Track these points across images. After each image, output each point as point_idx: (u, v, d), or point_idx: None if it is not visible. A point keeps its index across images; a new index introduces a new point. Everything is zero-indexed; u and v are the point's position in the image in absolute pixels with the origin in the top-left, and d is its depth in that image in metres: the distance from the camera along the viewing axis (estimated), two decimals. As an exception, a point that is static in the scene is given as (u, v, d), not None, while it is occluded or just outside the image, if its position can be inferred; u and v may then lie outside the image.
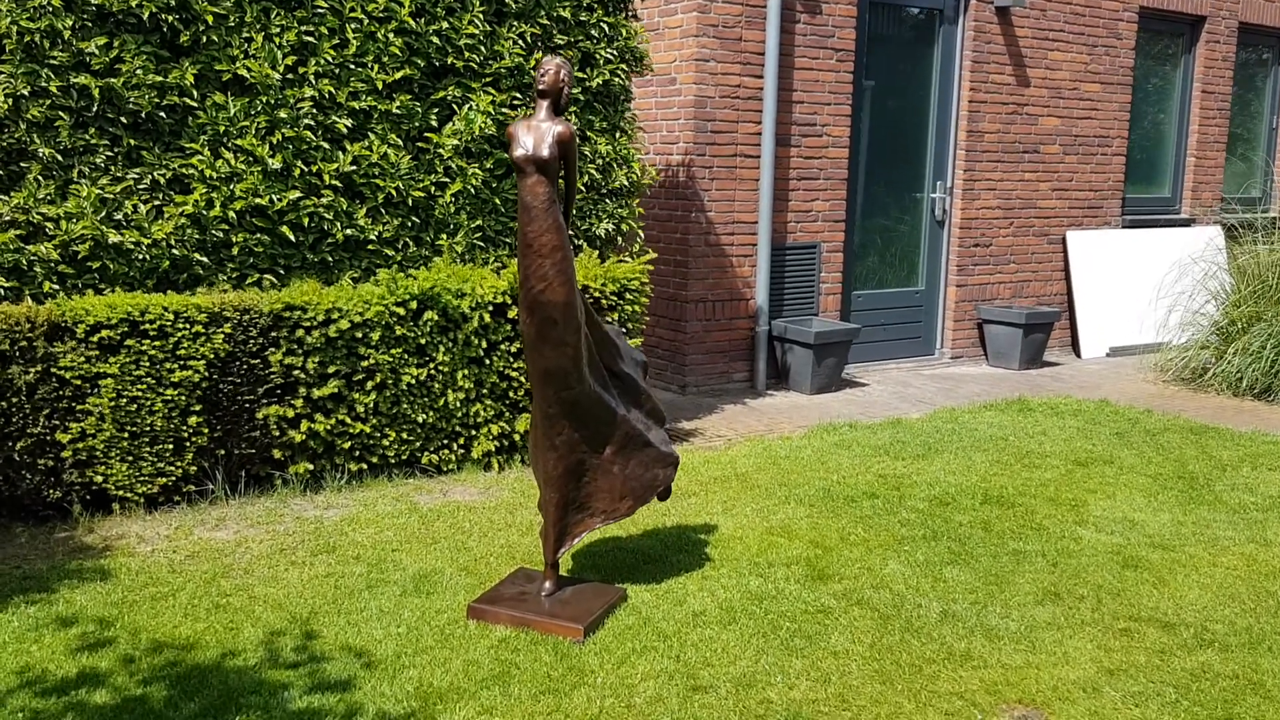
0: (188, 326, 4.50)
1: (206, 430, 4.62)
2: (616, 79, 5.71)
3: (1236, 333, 8.09)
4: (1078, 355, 9.31)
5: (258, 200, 4.85)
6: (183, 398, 4.53)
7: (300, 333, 4.74)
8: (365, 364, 4.90)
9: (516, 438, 5.36)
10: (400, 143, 5.17)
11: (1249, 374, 7.74)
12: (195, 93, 4.73)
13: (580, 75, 5.61)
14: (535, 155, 3.33)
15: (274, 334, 4.71)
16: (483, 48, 5.33)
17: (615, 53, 5.71)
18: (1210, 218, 10.50)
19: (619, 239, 5.89)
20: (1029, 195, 9.03)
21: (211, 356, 4.55)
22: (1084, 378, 8.39)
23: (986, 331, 8.78)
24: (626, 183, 5.81)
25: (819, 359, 7.43)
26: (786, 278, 7.74)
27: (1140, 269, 9.65)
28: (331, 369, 4.83)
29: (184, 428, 4.56)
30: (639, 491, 3.75)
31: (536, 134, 3.36)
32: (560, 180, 3.53)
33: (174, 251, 4.72)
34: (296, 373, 4.77)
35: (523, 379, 5.33)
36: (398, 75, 5.10)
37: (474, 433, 5.28)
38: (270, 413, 4.74)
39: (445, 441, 5.23)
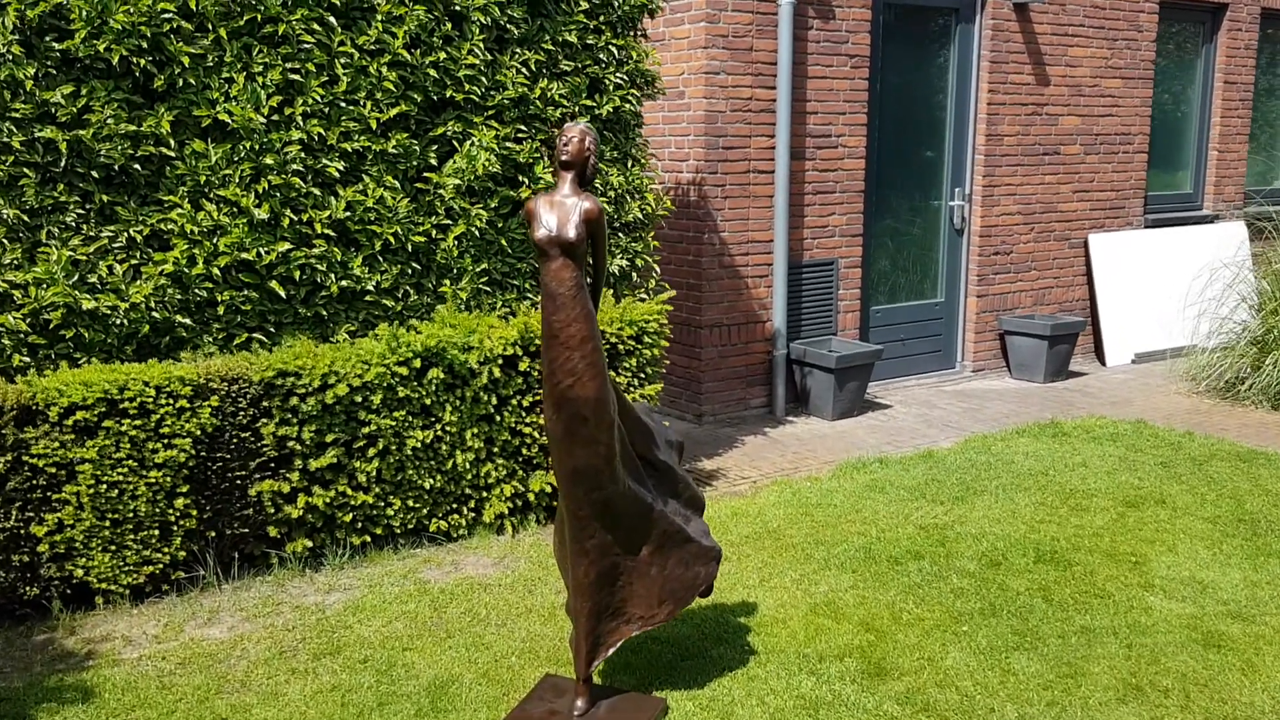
0: (171, 402, 4.10)
1: (195, 512, 4.23)
2: (628, 105, 5.30)
3: (1273, 341, 7.73)
4: (1102, 363, 8.96)
5: (244, 254, 4.45)
6: (168, 479, 4.14)
7: (294, 401, 4.34)
8: (366, 430, 4.51)
9: (531, 497, 4.98)
10: (397, 184, 4.76)
11: (1289, 386, 7.38)
12: (172, 141, 4.32)
13: (588, 103, 5.20)
14: (560, 237, 2.93)
15: (266, 404, 4.32)
16: (484, 78, 4.92)
17: (625, 77, 5.30)
18: (1233, 214, 10.14)
19: (634, 275, 5.49)
20: (1050, 198, 8.65)
21: (198, 433, 4.16)
22: (1113, 390, 8.04)
23: (1009, 343, 8.42)
24: (640, 215, 5.41)
25: (840, 383, 7.06)
26: (803, 297, 7.35)
27: (1164, 271, 9.28)
28: (329, 437, 4.44)
29: (170, 511, 4.17)
30: (679, 594, 3.38)
31: (560, 211, 2.96)
32: (588, 259, 3.14)
33: (154, 314, 4.32)
34: (291, 444, 4.38)
35: (536, 433, 4.94)
36: (393, 112, 4.69)
37: (485, 495, 4.90)
38: (264, 488, 4.35)
39: (454, 506, 4.84)
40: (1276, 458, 6.24)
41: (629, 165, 5.41)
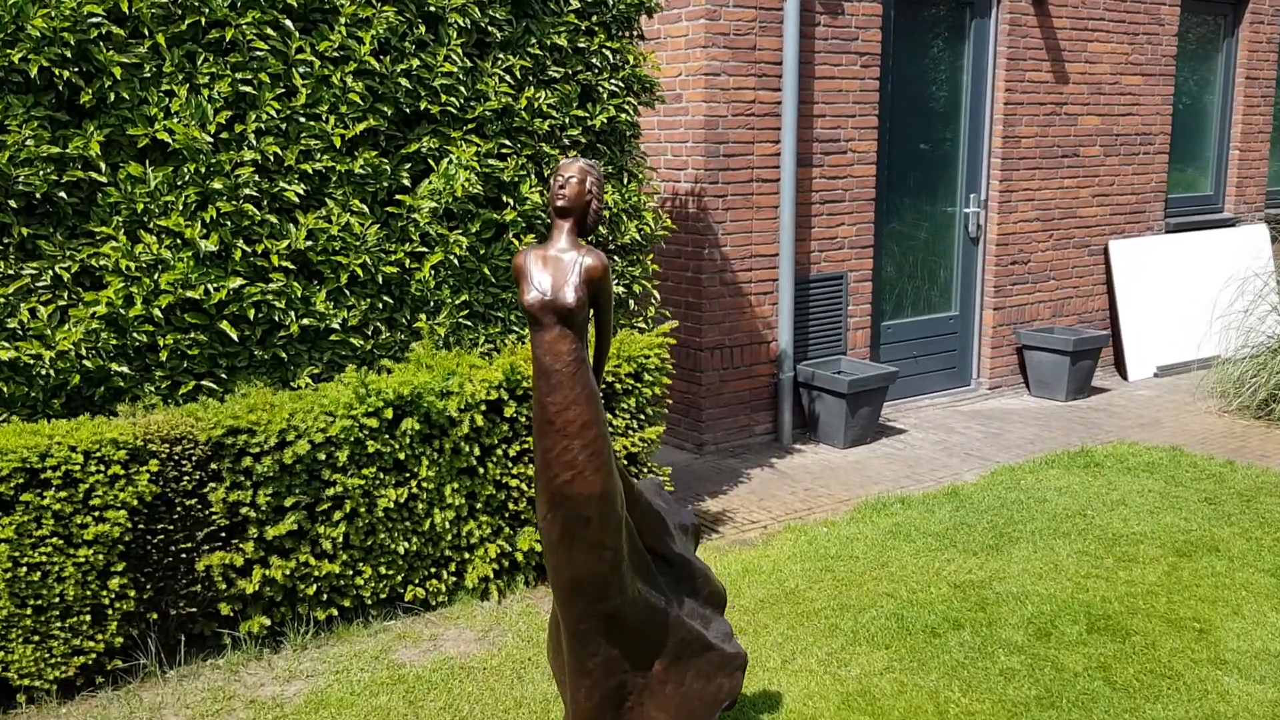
0: (103, 469, 3.54)
1: (134, 592, 3.68)
2: (624, 115, 4.75)
3: (1310, 357, 7.23)
4: (1123, 378, 8.45)
5: (189, 292, 3.88)
6: (100, 556, 3.58)
7: (248, 461, 3.79)
8: (331, 491, 3.96)
9: (519, 556, 4.44)
10: (365, 209, 4.20)
11: (1330, 407, 6.89)
12: (104, 164, 3.75)
13: (580, 113, 4.64)
14: (556, 301, 2.39)
15: (214, 466, 3.76)
16: (462, 88, 4.36)
17: (621, 83, 4.75)
18: (1255, 216, 9.64)
19: (631, 302, 4.94)
20: (1069, 204, 8.13)
21: (135, 503, 3.60)
22: (1139, 409, 7.53)
23: (1028, 359, 7.90)
24: (638, 236, 4.87)
25: (853, 409, 6.53)
26: (810, 314, 6.82)
27: (1186, 278, 8.78)
28: (289, 501, 3.89)
29: (104, 593, 3.62)
30: (699, 713, 2.84)
31: (556, 269, 2.41)
32: (590, 325, 2.60)
33: (86, 363, 3.75)
34: (245, 510, 3.83)
35: (524, 485, 4.40)
36: (360, 127, 4.13)
37: (467, 556, 4.35)
38: (214, 561, 3.79)
39: (433, 570, 4.30)
40: (1329, 491, 5.74)
41: (625, 181, 4.86)
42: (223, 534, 3.84)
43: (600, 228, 4.75)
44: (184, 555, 3.76)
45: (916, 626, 4.20)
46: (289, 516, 3.90)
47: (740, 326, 6.52)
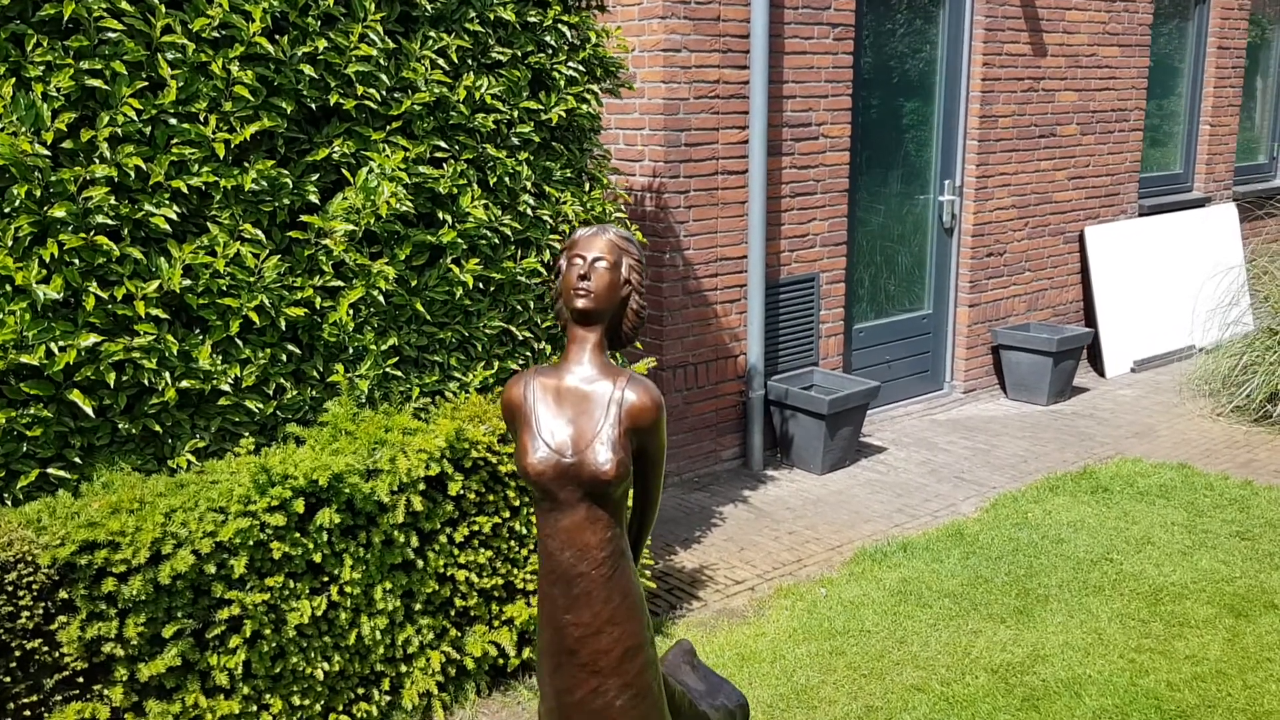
0: (-100, 616, 2.57)
1: (-44, 771, 2.72)
2: (584, 106, 3.84)
3: (1310, 356, 6.67)
4: (1100, 374, 7.84)
5: (24, 356, 2.90)
6: (-96, 732, 2.61)
7: (110, 584, 2.84)
8: (226, 613, 3.03)
9: (468, 663, 3.56)
10: (261, 235, 3.24)
11: (1337, 412, 6.33)
12: (-107, 188, 2.74)
13: (532, 105, 3.72)
14: (583, 468, 1.53)
15: (65, 594, 2.80)
16: (384, 76, 3.40)
17: (580, 67, 3.84)
18: (1224, 195, 9.10)
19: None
20: (1045, 188, 7.44)
21: (-49, 656, 2.64)
22: (1128, 413, 6.91)
23: (1005, 360, 7.22)
24: (603, 256, 3.97)
25: (832, 431, 5.76)
26: (780, 322, 6.02)
27: (1160, 265, 8.20)
28: (169, 629, 2.95)
29: (-88, 778, 2.66)
30: None
31: (579, 411, 1.56)
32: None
33: (-120, 458, 2.76)
34: (110, 647, 2.88)
35: (475, 577, 3.52)
36: (251, 130, 3.16)
37: (404, 669, 3.46)
38: (69, 717, 2.84)
39: (361, 691, 3.40)
40: (1364, 519, 5.15)
41: (586, 187, 3.97)
42: (80, 679, 2.89)
43: (561, 246, 3.84)
44: (28, 713, 2.80)
45: (963, 739, 3.44)
46: (170, 649, 2.96)
47: (705, 340, 5.69)
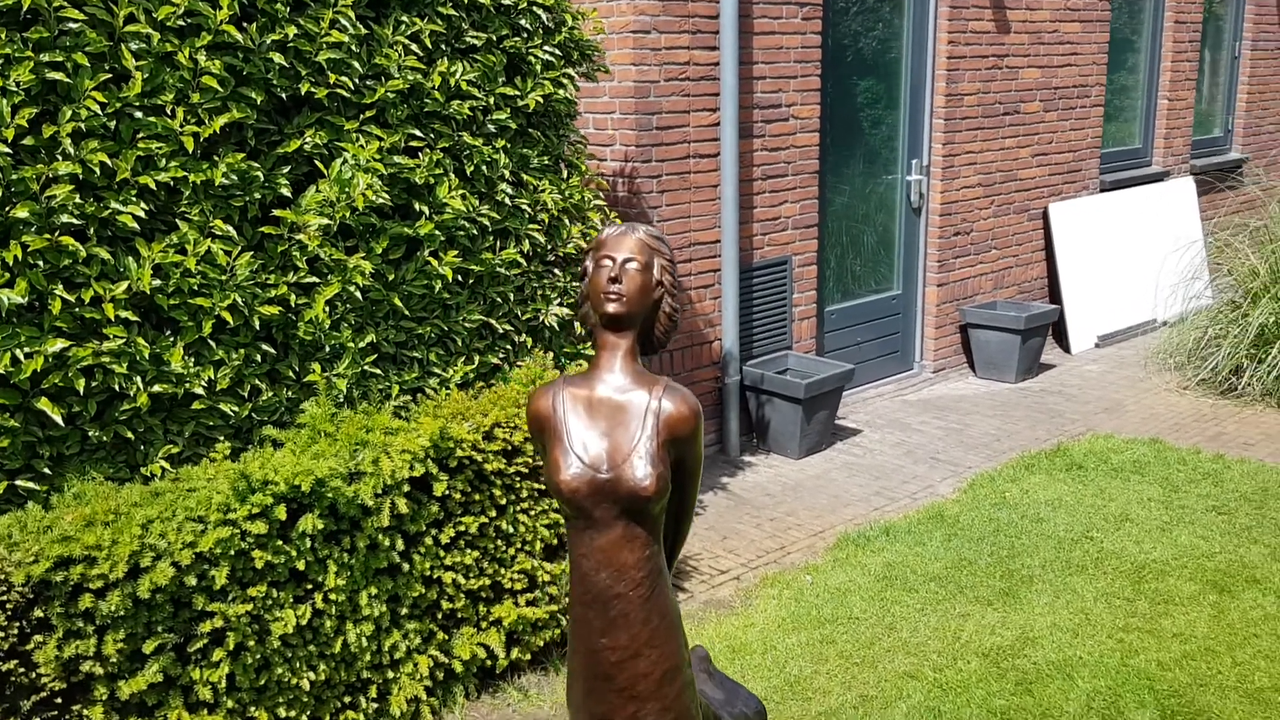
0: None
1: (-70, 801, 2.60)
2: (561, 91, 3.75)
3: (1273, 328, 6.73)
4: (1066, 350, 7.88)
5: (-12, 364, 2.76)
6: (-126, 763, 2.49)
7: (88, 600, 2.72)
8: (208, 625, 2.92)
9: (457, 666, 3.47)
10: (232, 231, 3.12)
11: (1303, 384, 6.40)
12: None
13: (508, 91, 3.62)
14: (620, 484, 1.44)
15: (41, 612, 2.68)
16: (356, 63, 3.28)
17: (557, 51, 3.73)
18: (1182, 169, 9.18)
19: (576, 325, 3.98)
20: (1010, 166, 7.44)
21: (-78, 682, 2.51)
22: (1096, 389, 6.95)
23: (973, 338, 7.23)
24: (584, 244, 3.89)
25: (809, 415, 5.72)
26: (754, 306, 5.96)
27: (1122, 240, 8.25)
28: (149, 645, 2.84)
29: (-116, 811, 2.53)
30: None
31: (614, 423, 1.47)
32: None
33: None
34: (89, 665, 2.77)
35: (461, 578, 3.43)
36: (220, 122, 3.03)
37: (391, 675, 3.37)
38: (48, 740, 2.73)
39: (347, 700, 3.31)
40: (1335, 490, 5.20)
41: (565, 175, 3.87)
42: (59, 700, 2.77)
43: (540, 235, 3.75)
44: (2, 737, 2.68)
45: (960, 727, 3.42)
46: (151, 664, 2.85)
47: (681, 327, 5.61)
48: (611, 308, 1.51)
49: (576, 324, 3.76)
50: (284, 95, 3.18)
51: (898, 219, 6.93)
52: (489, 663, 3.58)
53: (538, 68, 3.68)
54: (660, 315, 1.58)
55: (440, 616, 3.45)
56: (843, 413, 6.49)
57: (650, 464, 1.44)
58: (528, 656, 3.63)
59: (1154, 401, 6.71)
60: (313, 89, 3.21)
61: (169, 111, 2.98)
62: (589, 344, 4.01)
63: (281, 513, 2.97)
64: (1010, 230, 7.55)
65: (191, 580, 2.85)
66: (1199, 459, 5.63)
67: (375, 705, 3.36)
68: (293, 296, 3.26)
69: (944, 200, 7.01)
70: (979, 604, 4.20)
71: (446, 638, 3.47)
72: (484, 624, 3.53)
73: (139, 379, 3.00)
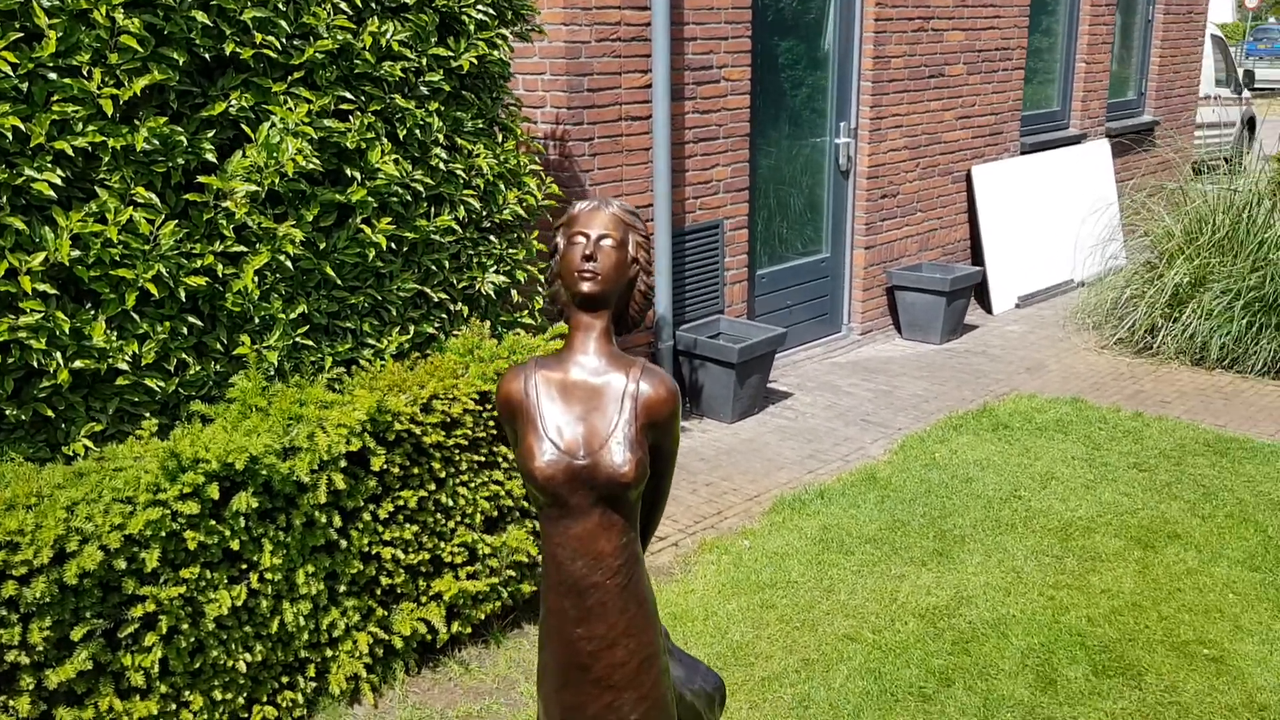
0: None
1: None
2: (495, 52, 3.65)
3: (1187, 288, 6.91)
4: (988, 311, 8.01)
5: (-105, 341, 2.61)
6: None
7: (11, 588, 2.60)
8: (139, 610, 2.82)
9: (396, 642, 3.41)
10: (155, 199, 2.98)
11: (1214, 342, 6.59)
12: None
13: (441, 52, 3.51)
14: (598, 470, 1.40)
15: (-40, 602, 2.56)
16: (283, 22, 3.15)
17: (491, 10, 3.63)
18: (1098, 131, 9.34)
19: (514, 293, 3.91)
20: (935, 128, 7.50)
21: None
22: (1018, 349, 7.08)
23: (899, 299, 7.30)
24: (520, 210, 3.81)
25: (741, 379, 5.73)
26: (687, 270, 5.93)
27: (1042, 201, 8.39)
28: (78, 631, 2.73)
29: None
30: None
31: (589, 407, 1.43)
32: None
33: None
34: (13, 654, 2.65)
35: (400, 554, 3.36)
36: (140, 83, 2.88)
37: (330, 654, 3.30)
38: (-28, 733, 2.62)
39: (285, 680, 3.23)
40: (1247, 444, 5.38)
41: (500, 139, 3.78)
42: (-19, 692, 2.65)
43: (476, 201, 3.66)
44: (-78, 733, 2.56)
45: (900, 688, 3.46)
46: (79, 652, 2.74)
47: (611, 292, 5.56)
48: (586, 287, 1.46)
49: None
50: (208, 56, 3.04)
51: (826, 182, 6.94)
52: (429, 637, 3.52)
53: (471, 27, 3.58)
54: (635, 294, 1.54)
55: (379, 592, 3.39)
56: (774, 376, 6.52)
57: (629, 449, 1.40)
58: (468, 630, 3.58)
59: (1074, 361, 6.86)
60: (238, 49, 3.07)
61: (85, 73, 2.82)
62: (523, 315, 3.94)
63: (214, 491, 2.87)
64: (935, 193, 7.62)
65: (121, 564, 2.74)
66: (1119, 417, 5.77)
67: (314, 684, 3.28)
68: (220, 266, 3.13)
69: (871, 163, 7.03)
70: (914, 565, 4.26)
71: (386, 614, 3.40)
72: (424, 599, 3.47)
73: (59, 354, 2.87)
